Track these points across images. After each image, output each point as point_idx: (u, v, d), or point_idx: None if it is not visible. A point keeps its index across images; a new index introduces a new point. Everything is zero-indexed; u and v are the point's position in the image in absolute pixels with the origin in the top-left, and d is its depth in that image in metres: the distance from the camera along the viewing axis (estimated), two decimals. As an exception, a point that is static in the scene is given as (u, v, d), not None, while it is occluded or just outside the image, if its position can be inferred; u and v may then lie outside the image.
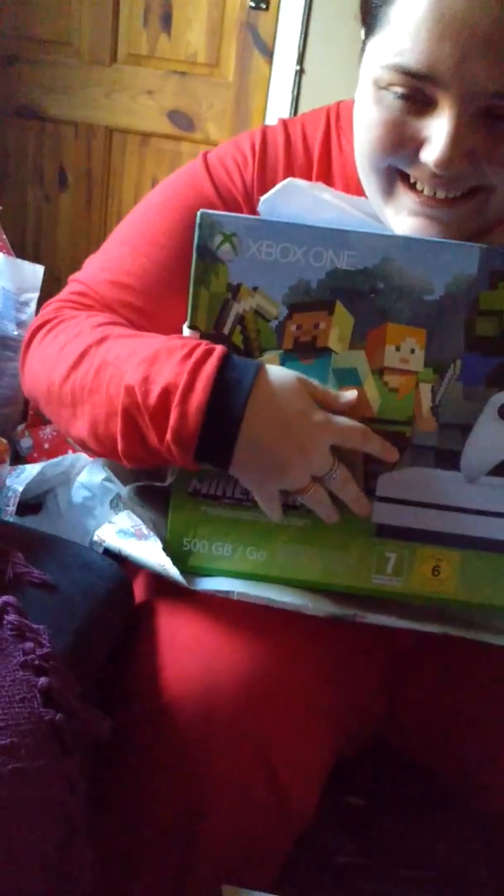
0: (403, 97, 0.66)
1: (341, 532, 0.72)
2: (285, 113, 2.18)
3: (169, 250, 0.80)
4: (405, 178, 0.70)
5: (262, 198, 0.74)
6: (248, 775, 0.69)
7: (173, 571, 0.72)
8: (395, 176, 0.71)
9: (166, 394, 0.65)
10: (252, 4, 2.15)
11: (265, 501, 0.70)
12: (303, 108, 2.16)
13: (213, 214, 0.67)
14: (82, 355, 0.74)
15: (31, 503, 1.03)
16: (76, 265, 0.88)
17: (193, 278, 0.67)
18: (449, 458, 0.70)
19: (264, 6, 2.15)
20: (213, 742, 0.68)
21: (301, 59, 2.15)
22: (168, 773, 0.68)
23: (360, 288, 0.67)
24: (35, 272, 1.27)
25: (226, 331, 0.68)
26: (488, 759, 0.78)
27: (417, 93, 0.66)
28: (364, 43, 0.71)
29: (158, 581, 0.77)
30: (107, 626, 0.74)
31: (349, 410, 0.69)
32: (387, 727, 0.84)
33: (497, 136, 0.66)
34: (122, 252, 0.83)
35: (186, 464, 0.67)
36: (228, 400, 0.65)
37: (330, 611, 0.73)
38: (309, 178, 0.82)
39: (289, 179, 0.74)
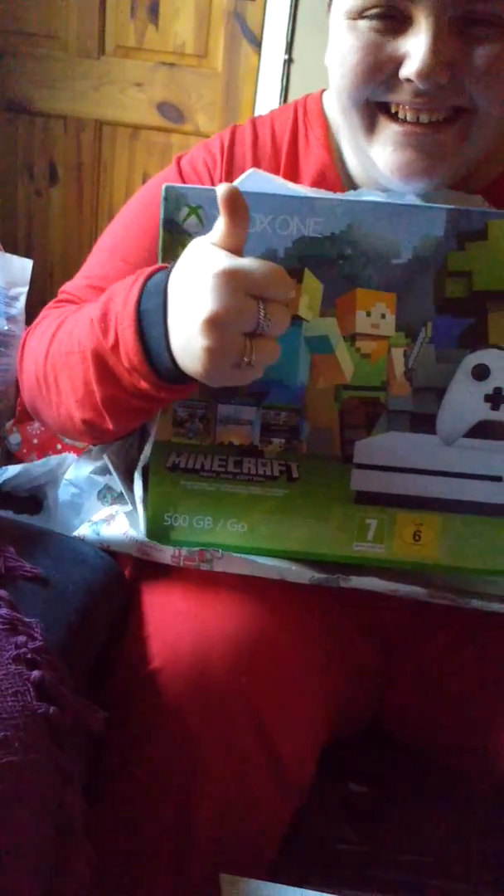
0: (377, 17, 0.67)
1: (321, 500, 0.72)
2: (275, 103, 2.17)
3: (146, 252, 0.81)
4: (386, 111, 0.70)
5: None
6: (242, 738, 0.69)
7: (140, 536, 0.72)
8: (376, 110, 0.71)
9: (115, 322, 0.67)
10: (238, -6, 2.15)
11: (224, 377, 0.64)
12: (292, 98, 2.16)
13: (178, 188, 0.67)
14: (59, 327, 0.76)
15: (28, 500, 1.05)
16: (68, 259, 0.90)
17: (161, 251, 0.68)
18: (425, 422, 0.70)
19: (251, -5, 2.15)
20: (206, 706, 0.68)
21: (290, 49, 2.14)
22: (162, 739, 0.68)
23: (327, 254, 0.67)
24: (24, 266, 1.28)
25: None
26: (486, 737, 0.78)
27: (391, 10, 0.66)
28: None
29: (145, 560, 0.77)
30: (100, 618, 0.74)
31: (321, 377, 0.69)
32: (383, 706, 0.85)
33: (474, 43, 0.66)
34: (101, 258, 0.86)
35: (152, 385, 0.67)
36: (151, 301, 0.65)
37: (313, 576, 0.73)
38: (276, 173, 0.82)
39: (251, 170, 0.74)
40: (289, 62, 2.16)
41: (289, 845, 0.76)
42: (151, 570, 0.78)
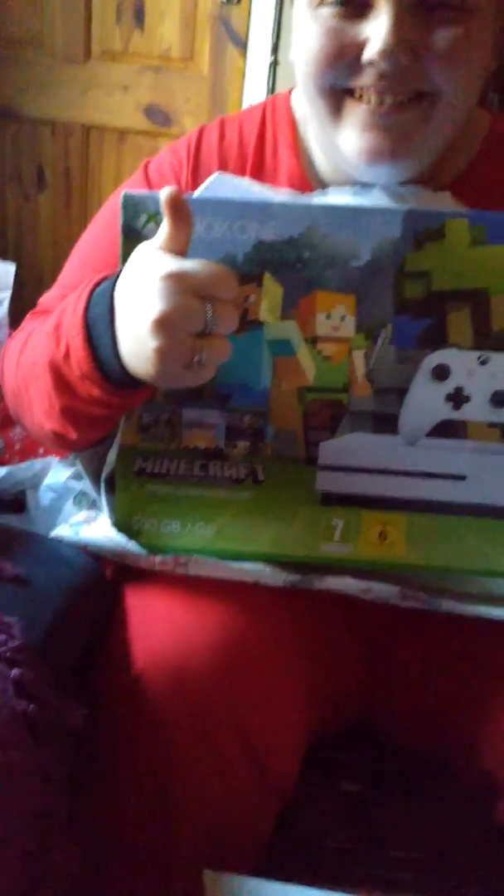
0: (338, 4, 0.69)
1: (287, 502, 0.73)
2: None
3: (114, 260, 0.81)
4: (351, 95, 0.72)
5: (193, 195, 0.75)
6: (224, 741, 0.70)
7: (127, 543, 0.73)
8: (342, 96, 0.72)
9: (66, 331, 0.68)
10: (223, -2, 2.16)
11: (176, 378, 0.64)
12: (278, 98, 2.16)
13: (136, 195, 0.68)
14: (27, 338, 0.77)
15: (12, 502, 1.05)
16: (58, 263, 0.91)
17: (122, 258, 0.68)
18: (387, 423, 0.71)
19: (236, 0, 2.16)
20: (186, 710, 0.69)
21: (275, 51, 2.15)
22: (143, 744, 0.69)
23: (286, 258, 0.67)
24: (6, 271, 1.29)
25: None
26: (472, 732, 0.79)
27: None
28: None
29: (125, 562, 0.78)
30: (82, 617, 0.75)
31: (284, 380, 0.70)
32: (371, 704, 0.85)
33: (435, 26, 0.68)
34: (73, 268, 0.87)
35: (104, 391, 0.67)
36: (98, 307, 0.66)
37: (286, 578, 0.74)
38: (243, 174, 0.83)
39: (217, 173, 0.75)
40: (274, 64, 2.17)
41: (277, 844, 0.77)
42: (133, 572, 0.78)
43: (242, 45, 2.19)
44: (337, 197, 0.75)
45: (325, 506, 0.73)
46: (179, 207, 0.63)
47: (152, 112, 2.30)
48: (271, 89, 2.17)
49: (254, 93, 2.20)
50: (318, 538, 0.73)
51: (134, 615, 0.75)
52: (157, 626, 0.73)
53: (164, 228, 0.63)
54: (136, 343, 0.63)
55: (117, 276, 0.66)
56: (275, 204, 0.67)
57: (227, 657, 0.71)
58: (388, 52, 0.67)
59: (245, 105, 2.21)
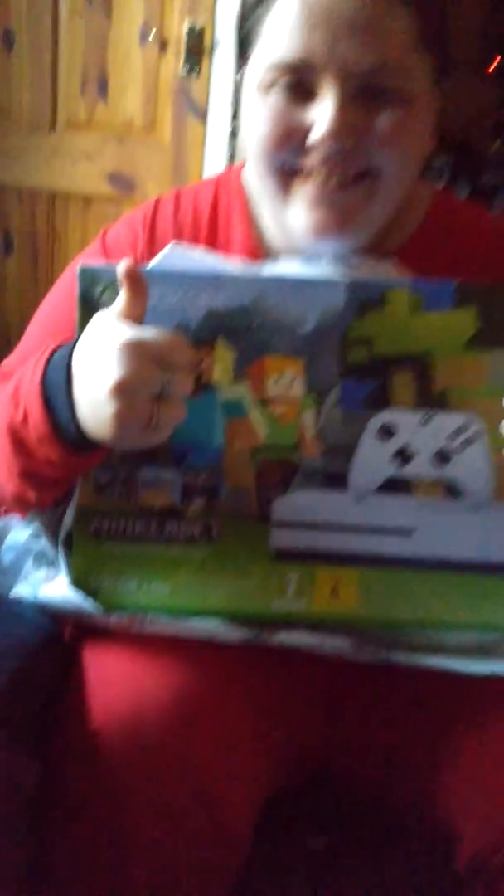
0: (287, 89, 0.73)
1: (241, 559, 0.75)
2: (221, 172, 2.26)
3: (73, 326, 0.85)
4: (298, 174, 0.76)
5: (148, 265, 0.78)
6: (179, 799, 0.70)
7: (84, 602, 0.74)
8: (290, 175, 0.76)
9: (24, 395, 0.71)
10: (184, 72, 2.25)
11: (132, 440, 0.67)
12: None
13: (91, 267, 0.71)
14: None
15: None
16: (24, 327, 0.93)
17: (78, 326, 0.71)
18: (337, 480, 0.73)
19: (196, 72, 2.24)
20: (142, 766, 0.70)
21: (234, 121, 2.23)
22: (99, 801, 0.69)
23: (237, 325, 0.71)
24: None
25: None
26: (429, 781, 0.79)
27: (299, 83, 0.73)
28: (242, 74, 0.79)
29: (83, 621, 0.79)
30: (38, 676, 0.76)
31: (237, 440, 0.73)
32: (330, 755, 0.86)
33: (376, 112, 0.73)
34: (34, 332, 0.90)
35: (61, 454, 0.70)
36: (55, 373, 0.69)
37: (240, 635, 0.76)
38: (197, 245, 0.86)
39: (172, 244, 0.78)
40: (234, 133, 2.25)
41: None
42: (91, 630, 0.79)
43: (202, 116, 2.27)
44: (287, 266, 0.79)
45: (278, 562, 0.75)
46: (136, 279, 0.66)
47: (116, 179, 2.37)
48: (231, 157, 2.25)
49: (214, 160, 2.28)
50: (272, 594, 0.75)
51: (91, 674, 0.76)
52: (114, 684, 0.74)
53: (122, 298, 0.67)
54: (94, 407, 0.65)
55: (75, 343, 0.69)
56: (225, 275, 0.71)
57: (182, 714, 0.72)
58: (333, 136, 0.72)
59: (206, 171, 2.29)
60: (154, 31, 2.22)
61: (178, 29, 2.22)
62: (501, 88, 2.37)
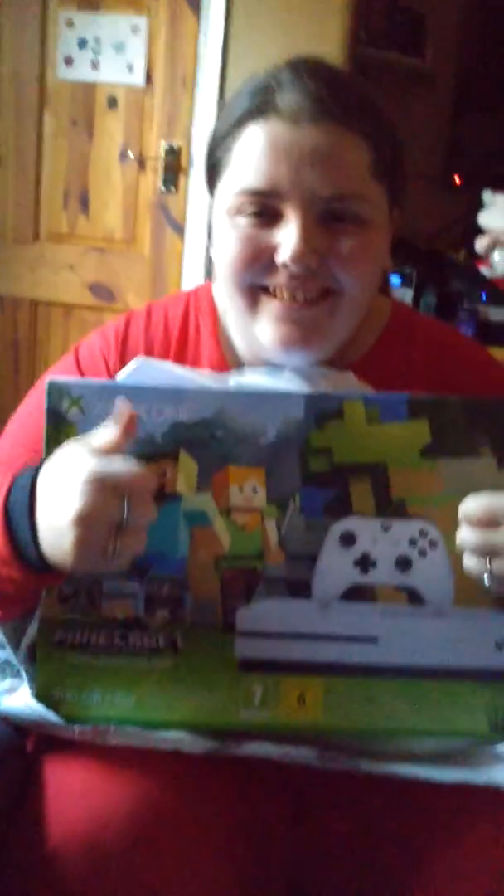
0: (254, 215, 0.78)
1: (206, 669, 0.74)
2: (199, 283, 2.34)
3: (41, 437, 0.87)
4: (266, 292, 0.80)
5: (117, 376, 0.81)
6: None
7: (47, 713, 0.73)
8: (258, 293, 0.80)
9: None
10: (163, 188, 2.36)
11: (92, 567, 0.68)
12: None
13: (59, 382, 0.73)
14: None
15: None
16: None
17: (45, 439, 0.73)
18: (301, 588, 0.74)
19: (174, 189, 2.35)
20: (101, 885, 0.68)
21: (211, 235, 2.32)
22: None
23: (200, 437, 0.72)
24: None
25: None
26: (401, 890, 0.77)
27: (265, 209, 0.77)
28: (212, 201, 0.85)
29: (46, 732, 0.78)
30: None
31: (201, 550, 0.73)
32: (299, 868, 0.83)
33: (338, 235, 0.78)
34: (5, 443, 0.91)
35: (22, 574, 0.70)
36: (18, 496, 0.70)
37: (206, 745, 0.74)
38: (167, 358, 0.90)
39: (140, 358, 0.81)
40: (210, 247, 2.33)
41: None
42: (53, 742, 0.78)
43: (180, 230, 2.37)
44: (252, 377, 0.81)
45: (243, 672, 0.74)
46: (130, 422, 0.69)
47: (97, 289, 2.45)
48: (208, 269, 2.34)
49: (192, 272, 2.36)
50: (237, 705, 0.75)
51: (51, 787, 0.74)
52: (74, 799, 0.72)
53: (110, 433, 0.69)
54: (55, 534, 0.67)
55: (40, 466, 0.70)
56: (188, 390, 0.73)
57: (143, 832, 0.70)
58: (298, 257, 0.76)
59: (184, 282, 2.37)
60: (132, 154, 2.33)
61: (157, 148, 2.35)
62: (467, 200, 2.49)
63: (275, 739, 0.75)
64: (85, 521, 0.65)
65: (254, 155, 0.78)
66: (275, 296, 0.80)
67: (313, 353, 0.82)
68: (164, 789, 0.73)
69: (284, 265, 0.77)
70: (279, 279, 0.79)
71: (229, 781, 0.78)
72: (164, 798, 0.73)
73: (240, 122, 0.79)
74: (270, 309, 0.80)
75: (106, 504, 0.65)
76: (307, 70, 0.80)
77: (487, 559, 0.68)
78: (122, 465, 0.66)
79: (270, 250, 0.78)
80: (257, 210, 0.78)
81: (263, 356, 0.84)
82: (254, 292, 0.80)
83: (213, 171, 0.84)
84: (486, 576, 0.68)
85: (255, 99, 0.79)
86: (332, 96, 0.78)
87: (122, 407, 0.70)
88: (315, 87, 0.78)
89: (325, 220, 0.78)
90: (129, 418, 0.69)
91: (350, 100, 0.79)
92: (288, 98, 0.78)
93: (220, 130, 0.82)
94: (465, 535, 0.69)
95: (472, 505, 0.69)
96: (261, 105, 0.78)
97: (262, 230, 0.78)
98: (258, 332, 0.81)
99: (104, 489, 0.65)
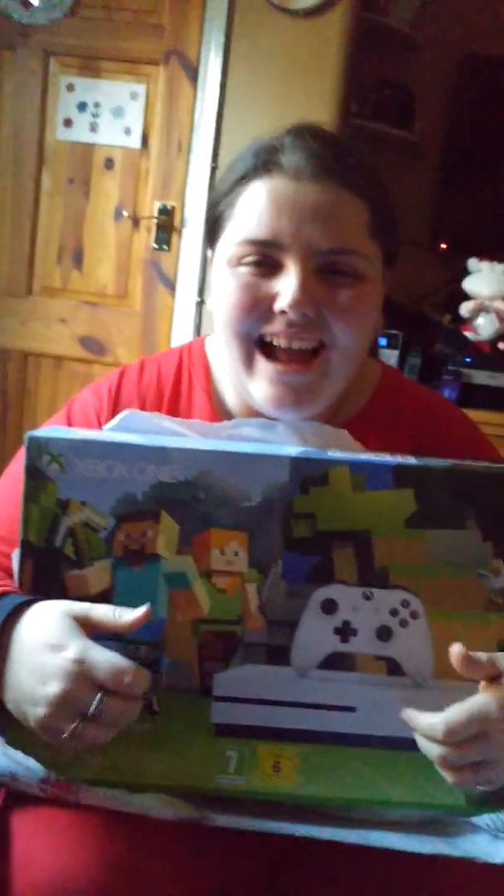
0: (255, 264, 0.81)
1: (182, 734, 0.73)
2: (189, 339, 2.37)
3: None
4: (262, 349, 0.82)
5: (104, 428, 0.81)
6: None
7: (18, 768, 0.72)
8: (254, 347, 0.82)
9: None
10: (155, 246, 2.39)
11: (50, 739, 0.67)
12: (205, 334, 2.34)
13: (40, 437, 0.72)
14: None
15: None
16: None
17: (24, 496, 0.72)
18: (279, 654, 0.73)
19: (166, 247, 2.39)
20: None
21: (201, 293, 2.36)
22: None
23: (183, 497, 0.72)
24: None
25: (57, 543, 0.72)
26: None
27: (266, 259, 0.80)
28: (213, 251, 0.87)
29: (13, 791, 0.76)
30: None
31: (180, 612, 0.73)
32: None
33: (335, 287, 0.81)
34: None
35: None
36: None
37: (177, 814, 0.73)
38: (159, 412, 0.90)
39: (127, 410, 0.81)
40: (201, 304, 2.37)
41: None
42: (22, 799, 0.76)
43: (171, 287, 2.40)
44: (244, 430, 0.81)
45: (219, 737, 0.73)
46: (140, 620, 0.68)
47: (88, 342, 2.47)
48: (198, 325, 2.36)
49: (182, 328, 2.39)
50: (212, 770, 0.73)
51: (18, 846, 0.73)
52: (41, 860, 0.70)
53: (111, 616, 0.68)
54: (22, 696, 0.67)
55: (29, 600, 0.70)
56: (172, 449, 0.72)
57: (110, 893, 0.68)
58: (297, 304, 0.79)
59: (174, 337, 2.39)
60: (126, 212, 2.37)
61: (150, 208, 2.39)
62: (452, 266, 2.54)
63: (250, 806, 0.74)
64: (53, 704, 0.65)
65: (256, 208, 0.81)
66: (271, 353, 0.82)
67: (305, 413, 0.84)
68: (133, 853, 0.72)
69: (283, 312, 0.79)
70: (276, 327, 0.81)
71: (202, 848, 0.76)
72: (132, 862, 0.71)
73: (244, 179, 0.83)
74: (265, 370, 0.82)
75: (79, 692, 0.64)
76: (309, 133, 0.84)
77: (475, 773, 0.66)
78: (108, 660, 0.65)
79: (270, 299, 0.80)
80: (258, 260, 0.81)
81: (256, 410, 0.86)
82: (250, 346, 0.82)
83: (215, 225, 0.87)
84: (478, 787, 0.67)
85: (260, 158, 0.83)
86: (334, 157, 0.82)
87: (141, 611, 0.68)
88: (317, 149, 0.82)
89: (324, 273, 0.80)
90: (143, 616, 0.68)
91: (350, 162, 0.83)
92: (291, 157, 0.81)
93: (224, 186, 0.86)
94: (452, 756, 0.65)
95: (455, 724, 0.65)
96: (265, 163, 0.82)
97: (262, 279, 0.81)
98: (252, 389, 0.84)
99: (84, 679, 0.65)
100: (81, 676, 0.64)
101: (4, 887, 0.69)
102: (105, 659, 0.65)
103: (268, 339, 0.82)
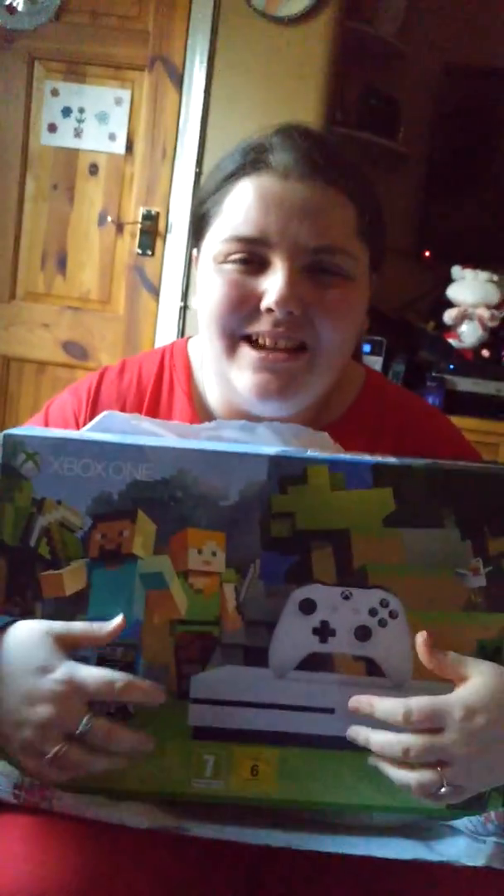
0: (241, 262, 0.80)
1: (158, 737, 0.72)
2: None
3: None
4: (247, 341, 0.81)
5: (82, 430, 0.80)
6: None
7: None
8: (238, 340, 0.81)
9: None
10: (139, 251, 2.39)
11: (30, 766, 0.67)
12: (189, 338, 2.34)
13: (14, 435, 0.71)
14: None
15: None
16: None
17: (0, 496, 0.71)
18: (257, 655, 0.72)
19: (150, 253, 2.39)
20: None
21: (184, 297, 2.36)
22: None
23: (159, 497, 0.71)
24: None
25: (32, 543, 0.71)
26: None
27: (253, 256, 0.80)
28: (198, 249, 0.86)
29: None
30: None
31: (156, 613, 0.71)
32: None
33: (321, 287, 0.80)
34: None
35: None
36: None
37: (151, 823, 0.72)
38: (139, 412, 0.90)
39: (106, 412, 0.80)
40: (185, 309, 2.37)
41: None
42: None
43: (155, 292, 2.40)
44: (224, 432, 0.80)
45: (196, 740, 0.72)
46: (118, 630, 0.68)
47: (71, 347, 2.45)
48: (181, 330, 2.36)
49: (165, 332, 2.38)
50: (189, 774, 0.72)
51: None
52: (12, 866, 0.69)
53: (95, 630, 0.68)
54: (4, 718, 0.66)
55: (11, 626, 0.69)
56: (148, 447, 0.71)
57: None
58: (283, 301, 0.78)
59: (158, 342, 2.39)
60: (110, 218, 2.37)
61: (135, 214, 2.38)
62: (436, 274, 2.55)
63: (227, 812, 0.73)
64: (40, 727, 0.65)
65: (244, 205, 0.80)
66: (255, 346, 0.81)
67: (288, 405, 0.83)
68: (109, 861, 0.70)
69: (269, 310, 0.79)
70: (262, 326, 0.80)
71: (178, 856, 0.75)
72: (107, 870, 0.70)
73: (232, 177, 0.82)
74: (249, 358, 0.81)
75: (68, 712, 0.65)
76: (298, 132, 0.84)
77: (437, 769, 0.65)
78: (98, 678, 0.66)
79: (256, 297, 0.80)
80: (245, 257, 0.80)
81: (238, 408, 0.85)
82: (234, 340, 0.82)
83: (202, 223, 0.86)
84: (442, 790, 0.66)
85: (248, 156, 0.82)
86: (323, 157, 0.81)
87: (118, 622, 0.68)
88: (306, 148, 0.81)
89: (311, 272, 0.80)
90: (120, 625, 0.68)
91: (339, 162, 0.83)
92: (280, 156, 0.81)
93: (211, 184, 0.85)
94: (411, 745, 0.65)
95: (414, 708, 0.65)
96: (253, 161, 0.82)
97: (248, 277, 0.80)
98: (235, 379, 0.82)
99: (73, 700, 0.65)
100: (70, 697, 0.65)
101: None
102: (92, 674, 0.66)
103: (253, 337, 0.81)
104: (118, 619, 0.68)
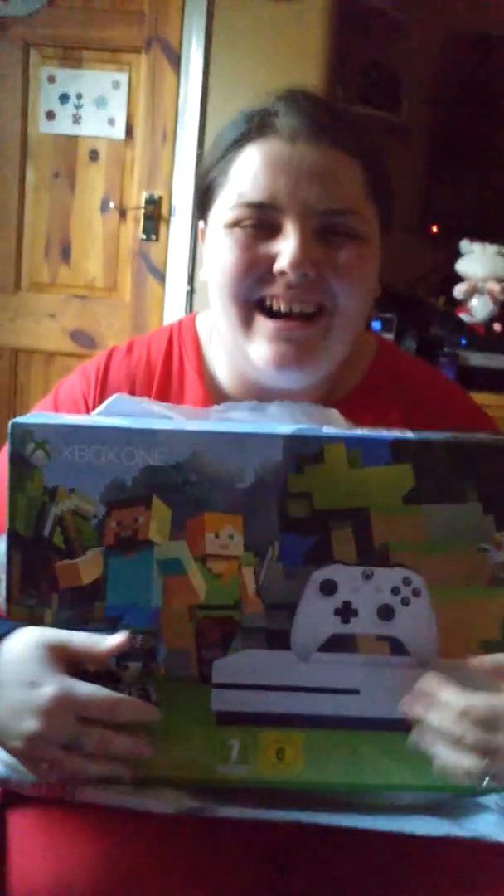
0: (252, 226, 0.79)
1: (182, 724, 0.71)
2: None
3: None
4: (261, 309, 0.80)
5: (92, 415, 0.79)
6: None
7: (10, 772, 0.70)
8: (253, 308, 0.80)
9: None
10: (143, 237, 2.37)
11: (29, 769, 0.69)
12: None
13: (23, 424, 0.70)
14: None
15: None
16: None
17: (9, 485, 0.70)
18: (279, 638, 0.71)
19: (154, 238, 2.37)
20: None
21: (191, 281, 2.34)
22: None
23: (174, 481, 0.70)
24: None
25: (46, 533, 0.70)
26: None
27: (264, 221, 0.79)
28: (205, 225, 0.85)
29: (12, 787, 0.74)
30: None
31: (175, 599, 0.70)
32: None
33: (334, 248, 0.80)
34: None
35: None
36: None
37: (180, 806, 0.71)
38: (149, 393, 0.88)
39: (115, 395, 0.79)
40: (191, 293, 2.35)
41: None
42: (19, 798, 0.74)
43: (161, 277, 2.38)
44: (234, 414, 0.79)
45: (220, 726, 0.71)
46: (120, 645, 0.68)
47: (78, 336, 2.44)
48: (188, 314, 2.33)
49: (172, 317, 2.36)
50: (214, 760, 0.72)
51: (14, 844, 0.71)
52: (38, 857, 0.69)
53: (92, 646, 0.68)
54: (3, 725, 0.67)
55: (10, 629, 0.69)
56: (160, 431, 0.70)
57: (110, 892, 0.67)
58: (297, 264, 0.77)
59: (165, 328, 2.37)
60: (113, 204, 2.35)
61: (137, 199, 2.36)
62: (444, 249, 2.52)
63: (254, 796, 0.72)
64: (35, 739, 0.65)
65: (252, 170, 0.80)
66: (270, 313, 0.80)
67: (306, 375, 0.82)
68: (133, 850, 0.70)
69: (282, 273, 0.78)
70: (276, 289, 0.79)
71: (204, 842, 0.74)
72: (132, 859, 0.69)
73: (237, 144, 0.82)
74: (265, 328, 0.80)
75: (65, 728, 0.65)
76: (303, 96, 0.83)
77: (486, 760, 0.65)
78: (94, 694, 0.66)
79: (269, 260, 0.79)
80: (255, 223, 0.80)
81: (250, 381, 0.83)
82: (249, 307, 0.81)
83: (207, 194, 0.85)
84: (486, 780, 0.65)
85: (253, 122, 0.82)
86: (329, 119, 0.81)
87: (119, 639, 0.68)
88: (312, 110, 0.81)
89: (322, 234, 0.79)
90: (122, 643, 0.68)
91: (344, 123, 0.82)
92: (286, 120, 0.80)
93: (216, 153, 0.84)
94: (467, 733, 0.65)
95: (477, 704, 0.65)
96: (259, 127, 0.81)
97: (259, 241, 0.80)
98: (251, 351, 0.81)
99: (68, 713, 0.65)
100: (58, 712, 0.65)
101: (1, 887, 0.67)
102: (84, 690, 0.66)
103: (267, 302, 0.80)
104: (119, 637, 0.67)
